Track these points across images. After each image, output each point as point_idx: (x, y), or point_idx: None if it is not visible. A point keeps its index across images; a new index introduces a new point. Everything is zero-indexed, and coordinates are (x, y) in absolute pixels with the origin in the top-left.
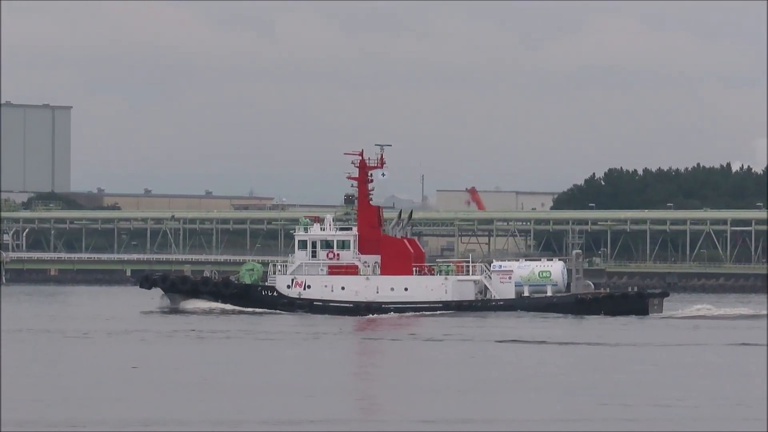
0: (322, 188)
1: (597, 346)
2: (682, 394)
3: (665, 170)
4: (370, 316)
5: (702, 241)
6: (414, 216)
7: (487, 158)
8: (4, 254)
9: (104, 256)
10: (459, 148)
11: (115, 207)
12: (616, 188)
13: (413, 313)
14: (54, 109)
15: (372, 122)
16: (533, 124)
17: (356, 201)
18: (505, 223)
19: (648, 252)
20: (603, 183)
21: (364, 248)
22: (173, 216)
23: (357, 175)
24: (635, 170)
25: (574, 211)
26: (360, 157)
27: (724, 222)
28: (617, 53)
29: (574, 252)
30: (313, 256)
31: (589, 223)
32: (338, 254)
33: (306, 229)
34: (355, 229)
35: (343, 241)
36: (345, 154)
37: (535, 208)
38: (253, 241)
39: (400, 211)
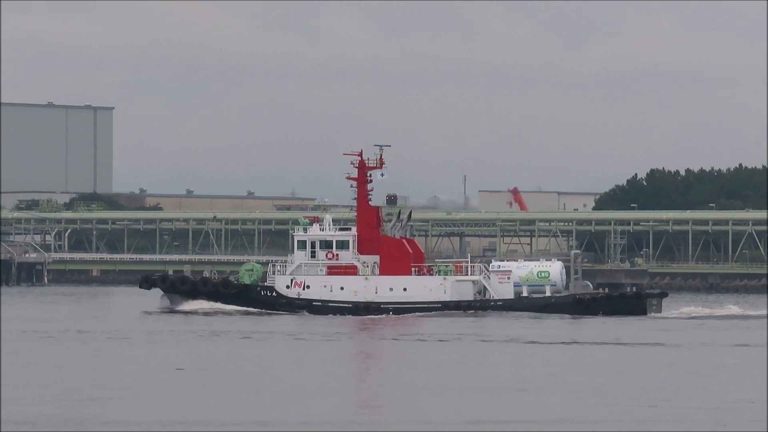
0: None
1: (592, 346)
2: (681, 394)
3: (707, 171)
4: (369, 316)
5: (744, 241)
6: (456, 216)
7: (529, 159)
8: (46, 255)
9: (146, 257)
10: (501, 149)
11: (157, 207)
12: (658, 189)
13: (412, 313)
14: (96, 110)
15: (412, 122)
16: (575, 124)
17: (395, 201)
18: (547, 224)
19: (690, 253)
20: (645, 183)
21: (363, 248)
22: (215, 216)
23: (356, 176)
24: (677, 171)
25: (616, 211)
26: (359, 158)
27: (766, 223)
28: (658, 54)
29: (573, 252)
30: (312, 257)
31: (631, 224)
32: (337, 254)
33: (305, 230)
34: (354, 230)
35: (342, 242)
36: (344, 154)
37: (577, 209)
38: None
39: (399, 211)
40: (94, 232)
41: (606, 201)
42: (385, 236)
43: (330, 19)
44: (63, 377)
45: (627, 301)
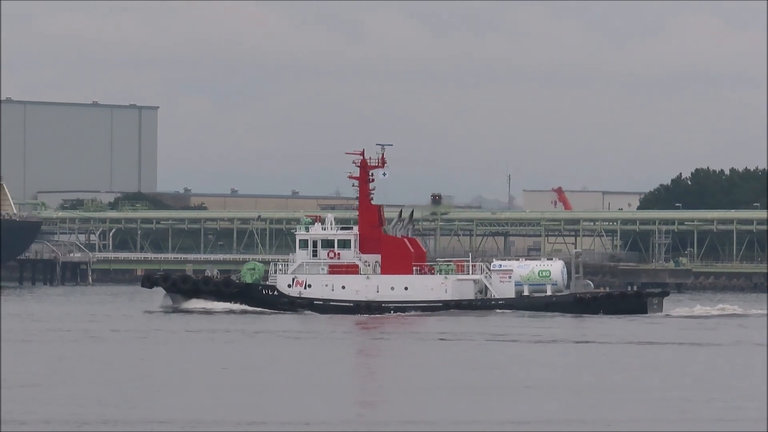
0: (407, 188)
1: (586, 345)
2: (680, 394)
3: (752, 170)
4: (370, 315)
5: None
6: (501, 216)
7: (574, 158)
8: (90, 255)
9: (191, 257)
10: (546, 149)
11: (201, 207)
12: (702, 188)
13: (413, 312)
14: (141, 110)
15: (455, 122)
16: (620, 123)
17: (439, 201)
18: (592, 223)
19: (734, 252)
20: (689, 183)
21: (364, 247)
22: (260, 216)
23: (358, 175)
24: (722, 170)
25: (660, 211)
26: (361, 157)
27: None
28: (704, 53)
29: (574, 251)
30: (314, 256)
31: (676, 223)
32: (339, 253)
33: (307, 229)
34: (355, 229)
35: (344, 241)
36: (346, 153)
37: (621, 208)
38: None
39: (401, 210)
40: (139, 232)
41: (650, 200)
42: (387, 235)
43: (373, 18)
44: (90, 377)
45: (628, 300)
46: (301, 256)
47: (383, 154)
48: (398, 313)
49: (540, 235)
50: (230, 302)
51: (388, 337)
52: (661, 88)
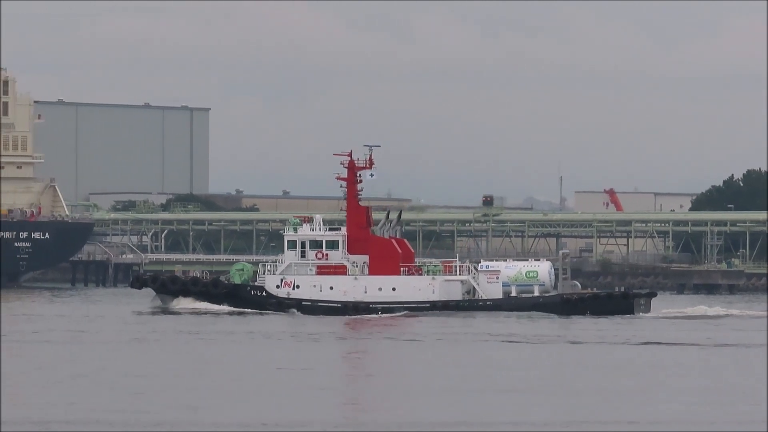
0: (459, 189)
1: (569, 345)
2: (678, 395)
3: None
4: (357, 316)
5: None
6: (552, 217)
7: (625, 159)
8: (143, 256)
9: (243, 258)
10: (598, 150)
11: (253, 208)
12: (754, 189)
13: (401, 312)
14: (193, 111)
15: (507, 123)
16: (671, 125)
17: (491, 202)
18: (644, 225)
19: None
20: (741, 184)
21: (352, 248)
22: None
23: (346, 176)
24: None
25: (712, 212)
26: (349, 158)
27: None
28: (754, 54)
29: (561, 252)
30: (302, 256)
31: (728, 225)
32: (327, 254)
33: (295, 229)
34: (344, 229)
35: (332, 241)
36: (334, 154)
37: (673, 210)
38: None
39: (388, 211)
40: (191, 233)
41: (702, 202)
42: (375, 236)
43: (424, 20)
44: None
45: (614, 301)
46: (290, 256)
47: (371, 155)
48: (385, 314)
49: (592, 237)
50: (219, 303)
51: (375, 339)
52: (712, 89)
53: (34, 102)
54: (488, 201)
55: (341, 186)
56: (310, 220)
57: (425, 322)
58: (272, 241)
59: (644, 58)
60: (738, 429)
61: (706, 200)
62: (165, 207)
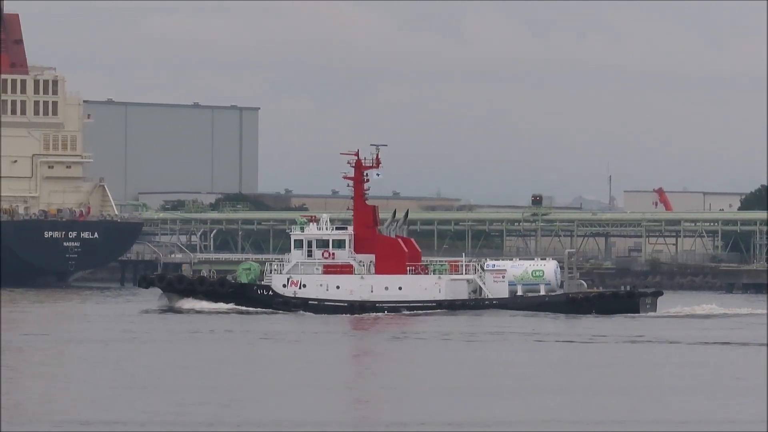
0: (508, 189)
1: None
2: (678, 394)
3: None
4: (363, 315)
5: None
6: (601, 217)
7: (674, 159)
8: (192, 255)
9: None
10: (646, 149)
11: (302, 208)
12: None
13: (406, 312)
14: (242, 111)
15: (556, 123)
16: (721, 124)
17: (540, 201)
18: (693, 224)
19: None
20: None
21: (359, 247)
22: None
23: (353, 175)
24: None
25: (761, 211)
26: (356, 157)
27: None
28: None
29: (567, 251)
30: (308, 256)
31: None
32: (334, 253)
33: (302, 229)
34: (350, 229)
35: (339, 241)
36: (341, 153)
37: (722, 209)
38: (440, 241)
39: (395, 210)
40: (240, 233)
41: (752, 201)
42: (381, 235)
43: (473, 19)
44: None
45: (619, 300)
46: (296, 256)
47: (377, 155)
48: (390, 313)
49: (641, 236)
50: (226, 302)
51: (381, 338)
52: (760, 88)
53: (84, 101)
54: (537, 200)
55: (348, 185)
56: (317, 220)
57: (429, 321)
58: None
59: (693, 57)
60: (737, 429)
61: (755, 199)
62: (214, 206)
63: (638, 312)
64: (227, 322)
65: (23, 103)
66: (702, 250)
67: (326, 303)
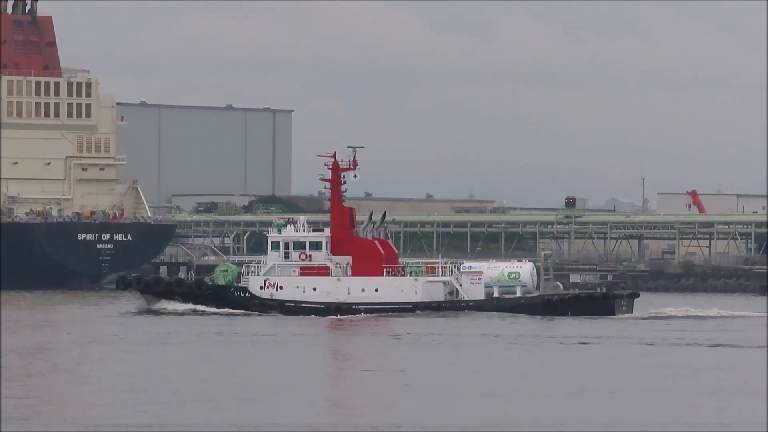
0: (541, 191)
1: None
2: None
3: None
4: (339, 317)
5: None
6: (635, 219)
7: (707, 161)
8: (225, 257)
9: None
10: (680, 152)
11: None
12: None
13: (383, 313)
14: (275, 113)
15: (589, 124)
16: (753, 126)
17: (573, 204)
18: (726, 227)
19: None
20: None
21: (336, 249)
22: (393, 219)
23: (330, 177)
24: None
25: None
26: (333, 159)
27: None
28: None
29: (543, 253)
30: (286, 257)
31: None
32: (310, 255)
33: (279, 231)
34: (327, 231)
35: (316, 243)
36: (318, 156)
37: (756, 211)
38: (473, 244)
39: (371, 212)
40: None
41: None
42: (358, 237)
43: (506, 20)
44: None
45: (595, 302)
46: (273, 257)
47: (354, 157)
48: (366, 315)
49: (674, 238)
50: (202, 304)
51: (357, 340)
52: None
53: (117, 104)
54: (570, 202)
55: (325, 187)
56: (294, 222)
57: (404, 323)
58: None
59: (726, 59)
60: (738, 430)
61: None
62: (247, 209)
63: (614, 314)
64: (199, 324)
65: (57, 105)
66: (735, 253)
67: (303, 305)
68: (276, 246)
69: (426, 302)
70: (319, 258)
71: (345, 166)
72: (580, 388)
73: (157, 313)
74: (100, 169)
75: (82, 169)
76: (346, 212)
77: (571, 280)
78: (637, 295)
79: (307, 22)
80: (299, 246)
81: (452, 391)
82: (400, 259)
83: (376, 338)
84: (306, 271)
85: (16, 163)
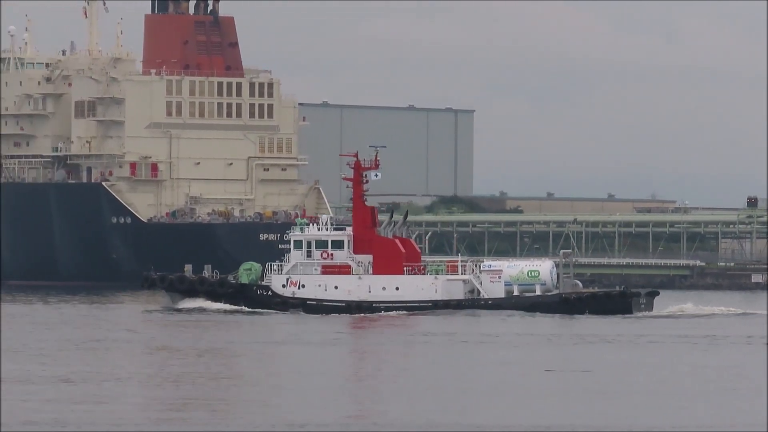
0: (723, 190)
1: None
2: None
3: None
4: (361, 315)
5: None
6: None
7: None
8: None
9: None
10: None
11: (517, 210)
12: None
13: (403, 312)
14: (457, 113)
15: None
16: None
17: (755, 203)
18: None
19: None
20: None
21: (358, 248)
22: (575, 219)
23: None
24: None
25: None
26: (355, 159)
27: None
28: None
29: (562, 251)
30: (308, 256)
31: None
32: (332, 254)
33: (302, 229)
34: (349, 230)
35: (338, 241)
36: (341, 155)
37: None
38: (655, 244)
39: (392, 212)
40: (455, 235)
41: None
42: (379, 236)
43: (690, 21)
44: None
45: (612, 300)
46: (296, 256)
47: (376, 156)
48: (386, 313)
49: None
50: (225, 302)
51: (381, 339)
52: None
53: (299, 104)
54: (752, 202)
55: (347, 186)
56: (316, 221)
57: (425, 321)
58: (536, 242)
59: None
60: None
61: None
62: (429, 209)
63: (631, 312)
64: (220, 322)
65: (239, 105)
66: None
67: (324, 303)
68: (298, 245)
69: (445, 300)
70: (341, 256)
71: (367, 166)
72: (587, 388)
73: (181, 311)
74: (282, 169)
75: (264, 170)
76: (368, 211)
77: (753, 280)
78: (657, 293)
79: (489, 22)
80: (321, 245)
81: (483, 390)
82: (585, 260)
83: (395, 336)
84: (328, 270)
85: (198, 163)
